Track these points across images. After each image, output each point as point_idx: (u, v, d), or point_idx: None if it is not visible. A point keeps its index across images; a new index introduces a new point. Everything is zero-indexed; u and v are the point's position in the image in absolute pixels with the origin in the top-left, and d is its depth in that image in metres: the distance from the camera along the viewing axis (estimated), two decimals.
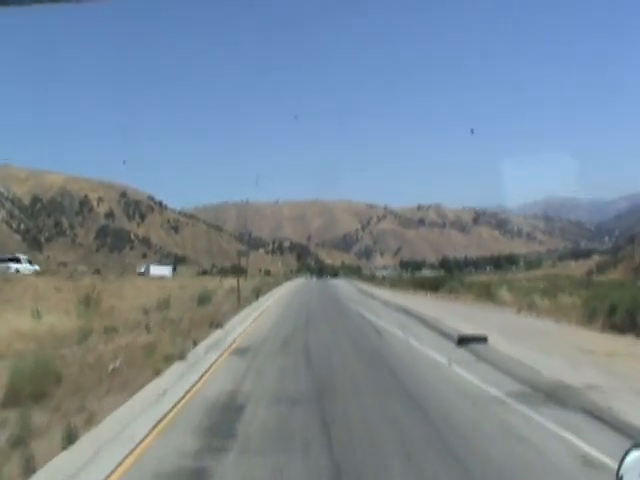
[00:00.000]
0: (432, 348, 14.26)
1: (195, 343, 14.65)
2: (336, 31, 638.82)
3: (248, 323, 19.71)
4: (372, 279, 78.41)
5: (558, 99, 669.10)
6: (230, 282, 47.21)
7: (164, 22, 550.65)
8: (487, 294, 30.59)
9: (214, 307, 24.45)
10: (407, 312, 22.33)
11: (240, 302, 26.29)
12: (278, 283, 63.86)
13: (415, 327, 18.24)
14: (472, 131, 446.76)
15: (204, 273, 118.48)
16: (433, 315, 20.77)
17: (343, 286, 64.12)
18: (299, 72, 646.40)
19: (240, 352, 14.19)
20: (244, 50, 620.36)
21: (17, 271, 46.31)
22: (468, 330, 17.45)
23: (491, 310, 25.14)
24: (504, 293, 29.12)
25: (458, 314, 21.98)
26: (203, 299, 26.43)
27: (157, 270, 78.40)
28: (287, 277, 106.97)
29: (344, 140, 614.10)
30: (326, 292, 44.30)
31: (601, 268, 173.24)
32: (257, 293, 34.79)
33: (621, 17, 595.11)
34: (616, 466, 2.32)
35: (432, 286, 35.93)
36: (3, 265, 48.03)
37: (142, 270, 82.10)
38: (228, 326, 18.64)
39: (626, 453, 2.27)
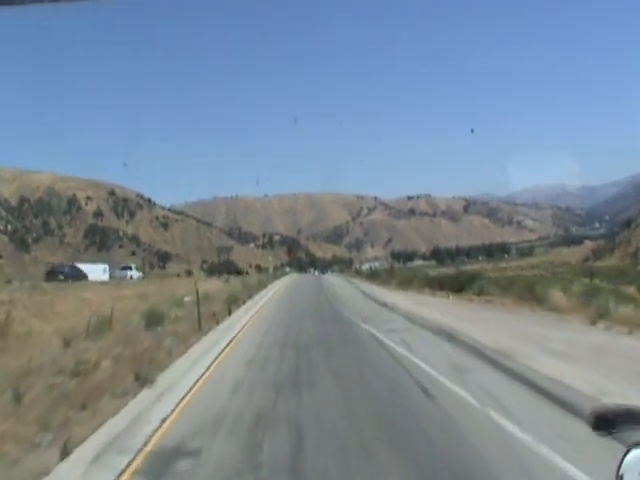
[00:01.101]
0: (550, 442, 6.70)
1: (67, 452, 6.96)
2: (330, 28, 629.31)
3: (200, 372, 11.80)
4: (375, 276, 63.86)
5: (548, 88, 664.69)
6: (208, 285, 39.46)
7: (161, 21, 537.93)
8: (531, 296, 23.11)
9: (165, 331, 16.79)
10: (448, 335, 14.64)
11: (203, 324, 18.38)
12: (263, 285, 51.53)
13: (481, 372, 10.53)
14: (472, 131, 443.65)
15: (188, 274, 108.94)
16: (491, 341, 13.20)
17: (341, 287, 51.67)
18: (291, 69, 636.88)
19: (158, 473, 6.56)
20: (233, 50, 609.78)
21: (131, 277, 56.23)
22: (570, 374, 9.99)
23: (552, 322, 17.62)
24: (558, 295, 21.63)
25: (521, 334, 14.44)
26: (153, 319, 18.57)
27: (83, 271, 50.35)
28: (276, 275, 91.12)
29: (333, 134, 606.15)
30: (323, 299, 34.57)
31: (597, 254, 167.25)
32: (231, 305, 26.58)
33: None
34: None
35: (454, 284, 28.24)
36: (123, 272, 60.12)
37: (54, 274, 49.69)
38: (165, 380, 10.88)
39: (626, 452, 2.07)
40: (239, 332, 18.12)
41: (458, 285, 27.87)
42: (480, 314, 19.73)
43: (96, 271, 53.98)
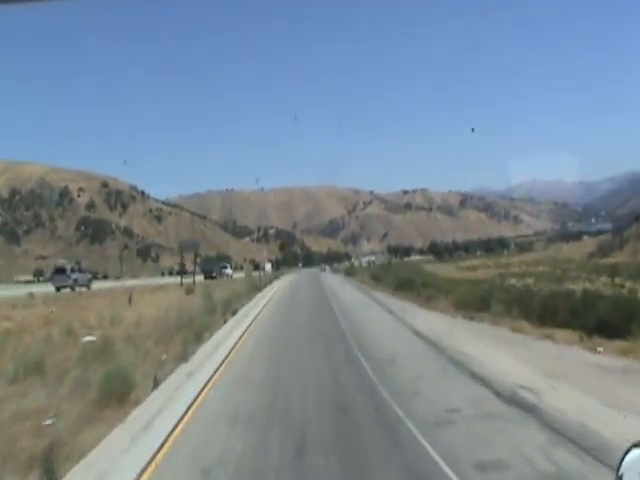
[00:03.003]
0: None
1: None
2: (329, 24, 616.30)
3: None
4: (407, 287, 33.19)
5: (546, 84, 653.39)
6: (157, 300, 25.41)
7: (159, 14, 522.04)
8: None
9: None
10: None
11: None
12: (231, 310, 24.00)
13: None
14: (473, 130, 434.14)
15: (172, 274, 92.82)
16: None
17: (367, 312, 24.38)
18: (288, 64, 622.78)
19: None
20: (232, 44, 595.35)
21: (227, 275, 64.38)
22: None
23: None
24: None
25: None
26: None
27: None
28: (257, 284, 46.83)
29: (330, 128, 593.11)
30: (337, 347, 14.95)
31: (603, 250, 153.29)
32: (137, 382, 9.09)
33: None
34: None
35: (581, 315, 13.84)
36: (227, 270, 68.06)
37: None
38: None
39: (626, 452, 2.01)
40: None
41: (597, 318, 13.84)
42: None
43: None
